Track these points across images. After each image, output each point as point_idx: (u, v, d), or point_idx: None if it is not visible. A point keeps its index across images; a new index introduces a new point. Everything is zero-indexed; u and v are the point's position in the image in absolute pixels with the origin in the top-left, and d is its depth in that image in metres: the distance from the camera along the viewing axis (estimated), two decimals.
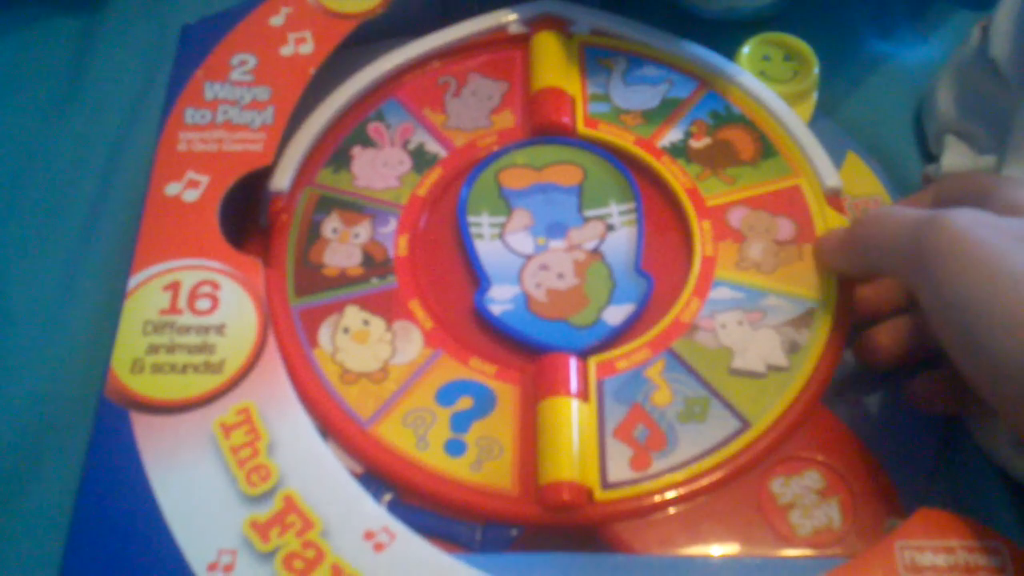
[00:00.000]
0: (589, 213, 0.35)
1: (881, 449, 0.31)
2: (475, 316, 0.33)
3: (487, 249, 0.34)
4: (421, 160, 0.36)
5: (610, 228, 0.35)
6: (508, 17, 0.39)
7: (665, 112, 0.37)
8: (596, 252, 0.35)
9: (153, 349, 0.30)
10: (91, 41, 0.42)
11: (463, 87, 0.38)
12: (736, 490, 0.30)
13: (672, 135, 0.37)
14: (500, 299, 0.33)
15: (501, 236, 0.34)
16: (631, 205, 0.36)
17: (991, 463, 0.31)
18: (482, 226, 0.34)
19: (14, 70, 0.42)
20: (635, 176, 0.36)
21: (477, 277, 0.34)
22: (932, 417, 0.32)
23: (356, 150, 0.37)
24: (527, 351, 0.32)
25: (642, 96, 0.38)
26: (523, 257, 0.34)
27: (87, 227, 0.37)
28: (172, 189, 0.34)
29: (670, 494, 0.29)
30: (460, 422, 0.31)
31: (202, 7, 0.41)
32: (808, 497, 0.30)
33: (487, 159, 0.36)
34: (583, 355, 0.32)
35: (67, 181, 0.38)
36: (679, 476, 0.30)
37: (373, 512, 0.28)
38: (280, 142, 0.35)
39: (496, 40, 0.39)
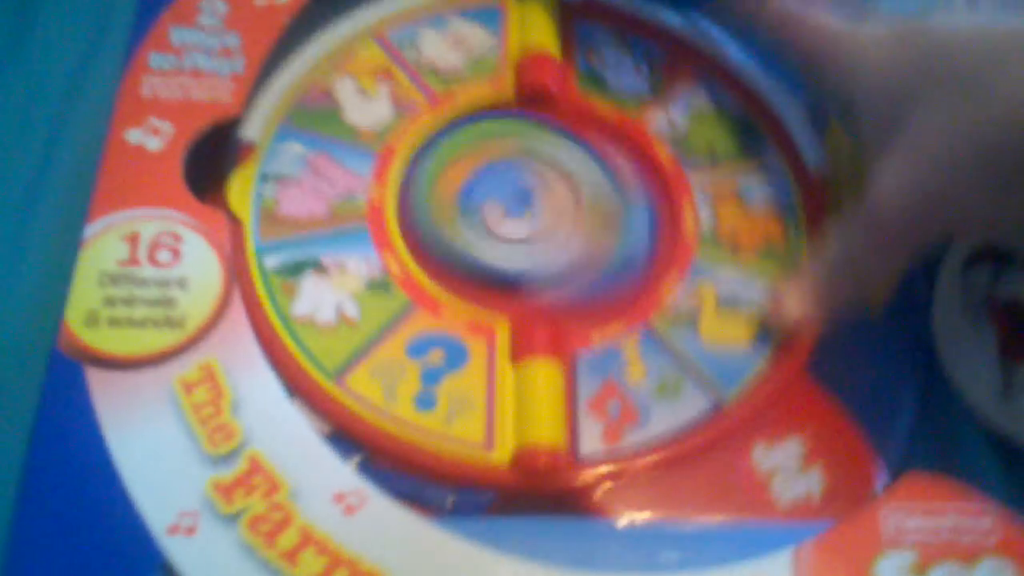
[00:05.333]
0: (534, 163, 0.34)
1: (861, 414, 0.30)
2: (447, 266, 0.32)
3: (496, 254, 0.32)
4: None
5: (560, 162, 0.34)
6: None
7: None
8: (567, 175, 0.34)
9: (110, 301, 0.29)
10: None
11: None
12: (716, 459, 0.29)
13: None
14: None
15: (493, 237, 0.33)
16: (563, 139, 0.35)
17: (974, 420, 0.31)
18: (474, 243, 0.32)
19: None
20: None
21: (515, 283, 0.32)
22: (912, 378, 0.31)
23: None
24: (499, 305, 0.31)
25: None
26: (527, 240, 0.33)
27: (39, 174, 0.35)
28: (133, 136, 0.32)
29: (646, 463, 0.29)
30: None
31: None
32: (789, 465, 0.29)
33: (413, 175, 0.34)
34: None
35: (17, 127, 0.36)
36: (652, 450, 0.29)
37: (343, 474, 0.27)
38: (251, 92, 0.34)
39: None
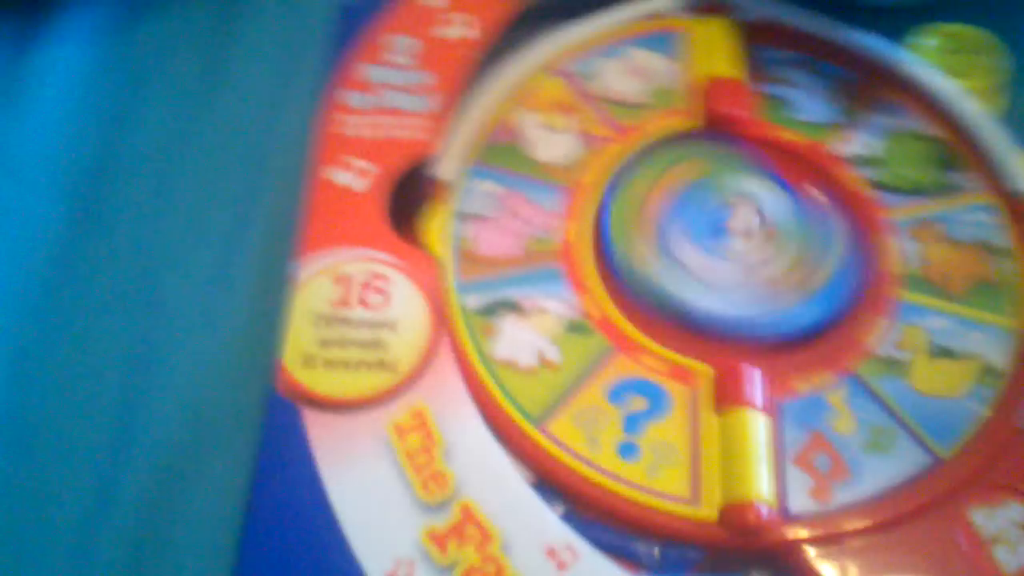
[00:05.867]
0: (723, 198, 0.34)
1: None
2: (649, 309, 0.32)
3: (706, 299, 0.32)
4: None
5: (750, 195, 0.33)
6: (670, 1, 0.37)
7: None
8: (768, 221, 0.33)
9: (325, 344, 0.30)
10: (234, 22, 0.41)
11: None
12: (933, 520, 0.28)
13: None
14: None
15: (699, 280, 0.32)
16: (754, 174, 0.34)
17: None
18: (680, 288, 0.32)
19: (155, 56, 0.40)
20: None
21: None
22: None
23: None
24: (701, 351, 0.31)
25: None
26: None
27: (240, 215, 0.36)
28: (336, 176, 0.33)
29: (860, 524, 0.28)
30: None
31: None
32: (1013, 531, 0.27)
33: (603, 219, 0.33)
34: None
35: (216, 169, 0.37)
36: (866, 509, 0.28)
37: (554, 526, 0.27)
38: (446, 128, 0.34)
39: (658, 26, 0.37)
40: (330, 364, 0.29)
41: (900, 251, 0.33)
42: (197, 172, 0.37)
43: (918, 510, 0.28)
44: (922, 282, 0.32)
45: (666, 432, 0.29)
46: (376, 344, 0.29)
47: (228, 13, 0.42)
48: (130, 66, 0.40)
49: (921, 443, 0.29)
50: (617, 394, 0.30)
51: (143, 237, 0.35)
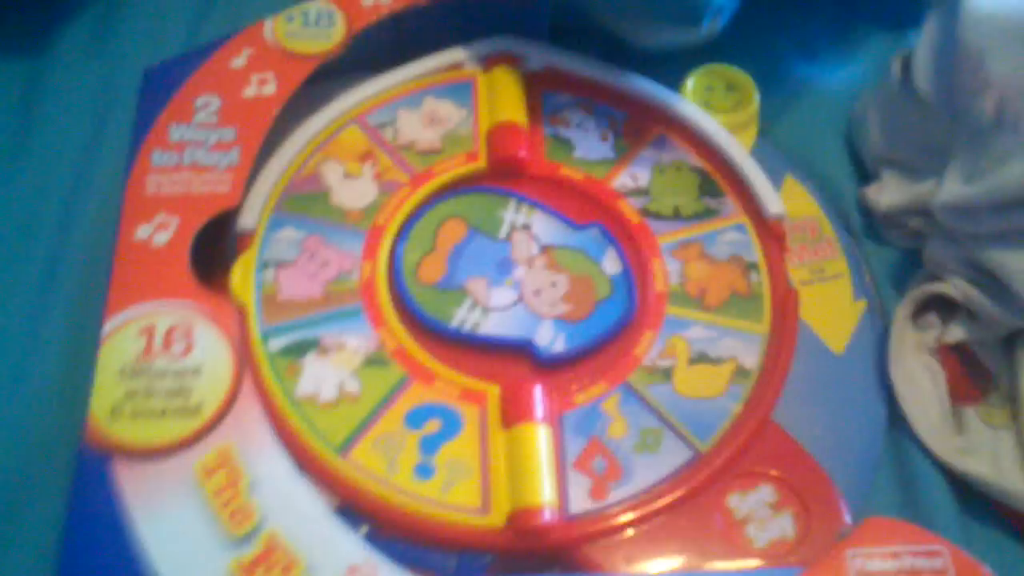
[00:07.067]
0: (502, 233, 0.37)
1: (827, 459, 0.33)
2: (438, 339, 0.35)
3: (495, 326, 0.35)
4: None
5: (525, 226, 0.37)
6: (463, 54, 0.41)
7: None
8: (545, 247, 0.36)
9: (131, 395, 0.31)
10: (37, 85, 0.42)
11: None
12: (695, 507, 0.31)
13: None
14: (551, 339, 0.34)
15: (488, 311, 0.35)
16: (511, 201, 0.38)
17: (930, 458, 0.33)
18: (468, 321, 0.35)
19: None
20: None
21: (518, 347, 0.35)
22: (876, 427, 0.34)
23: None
24: (489, 373, 0.34)
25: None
26: (517, 304, 0.35)
27: (48, 274, 0.37)
28: (142, 232, 0.34)
29: (632, 517, 0.31)
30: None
31: (149, 49, 0.42)
32: (762, 511, 0.32)
33: (398, 276, 0.36)
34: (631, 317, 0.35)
35: (23, 230, 0.38)
36: (637, 503, 0.31)
37: (354, 546, 0.29)
38: (246, 182, 0.36)
39: (452, 77, 0.41)
40: (137, 414, 0.31)
41: (666, 270, 0.36)
42: (2, 236, 0.38)
43: (681, 500, 0.31)
44: (683, 296, 0.36)
45: (459, 450, 0.32)
46: (180, 391, 0.31)
47: (31, 78, 0.42)
48: None
49: (684, 439, 0.33)
50: (414, 419, 0.33)
51: None
